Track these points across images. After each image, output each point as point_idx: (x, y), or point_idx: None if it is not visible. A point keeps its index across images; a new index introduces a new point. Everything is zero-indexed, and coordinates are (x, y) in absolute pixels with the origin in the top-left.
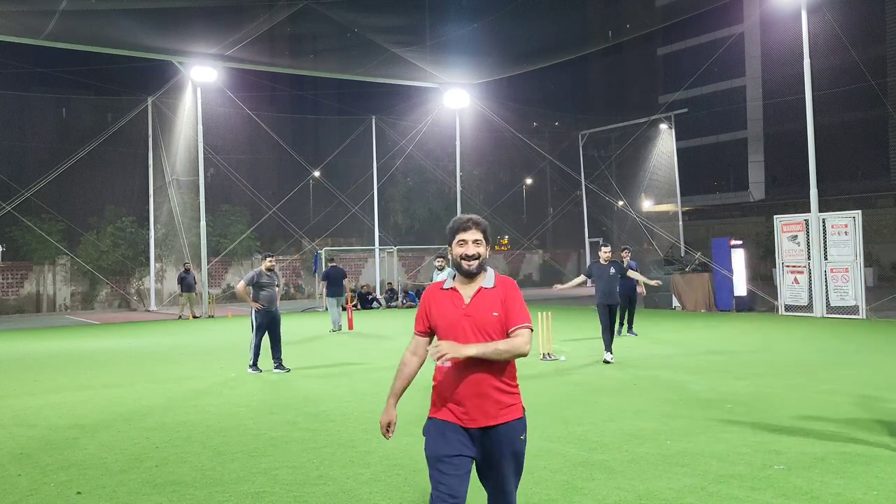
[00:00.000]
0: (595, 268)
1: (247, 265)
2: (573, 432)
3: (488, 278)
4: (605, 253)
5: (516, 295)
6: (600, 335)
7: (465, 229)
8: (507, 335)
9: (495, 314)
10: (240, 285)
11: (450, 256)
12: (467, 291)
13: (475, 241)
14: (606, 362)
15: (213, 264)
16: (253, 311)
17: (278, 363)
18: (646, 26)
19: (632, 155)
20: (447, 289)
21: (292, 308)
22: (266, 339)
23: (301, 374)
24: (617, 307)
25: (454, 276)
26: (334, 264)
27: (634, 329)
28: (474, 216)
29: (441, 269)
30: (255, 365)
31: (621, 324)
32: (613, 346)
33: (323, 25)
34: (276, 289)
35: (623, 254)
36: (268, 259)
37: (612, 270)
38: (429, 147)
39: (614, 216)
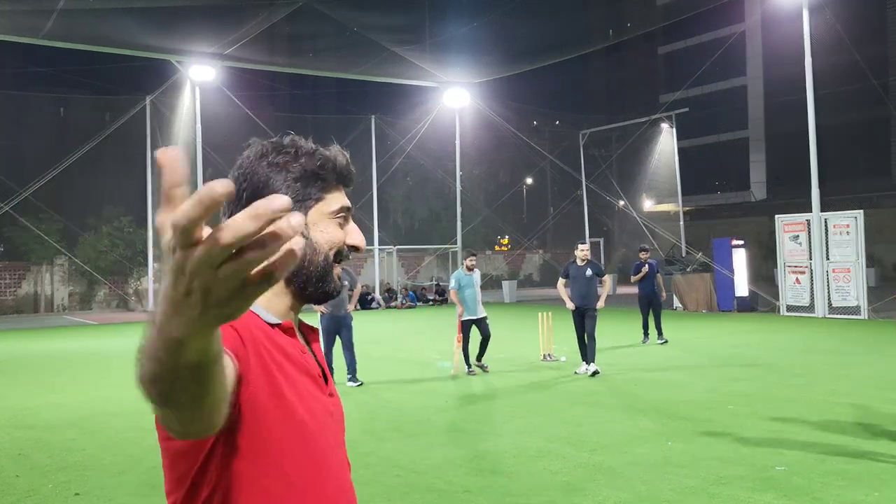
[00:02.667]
0: (571, 269)
1: None
2: (574, 433)
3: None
4: (581, 251)
5: None
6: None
7: (343, 184)
8: None
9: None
10: None
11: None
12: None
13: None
14: (577, 373)
15: None
16: (319, 316)
17: (351, 375)
18: (646, 25)
19: (633, 154)
20: (282, 330)
21: None
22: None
23: None
24: (592, 313)
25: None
26: None
27: (664, 334)
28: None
29: (471, 270)
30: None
31: (646, 333)
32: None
33: (322, 24)
34: (352, 290)
35: (642, 254)
36: None
37: (589, 272)
38: (429, 146)
39: (615, 216)
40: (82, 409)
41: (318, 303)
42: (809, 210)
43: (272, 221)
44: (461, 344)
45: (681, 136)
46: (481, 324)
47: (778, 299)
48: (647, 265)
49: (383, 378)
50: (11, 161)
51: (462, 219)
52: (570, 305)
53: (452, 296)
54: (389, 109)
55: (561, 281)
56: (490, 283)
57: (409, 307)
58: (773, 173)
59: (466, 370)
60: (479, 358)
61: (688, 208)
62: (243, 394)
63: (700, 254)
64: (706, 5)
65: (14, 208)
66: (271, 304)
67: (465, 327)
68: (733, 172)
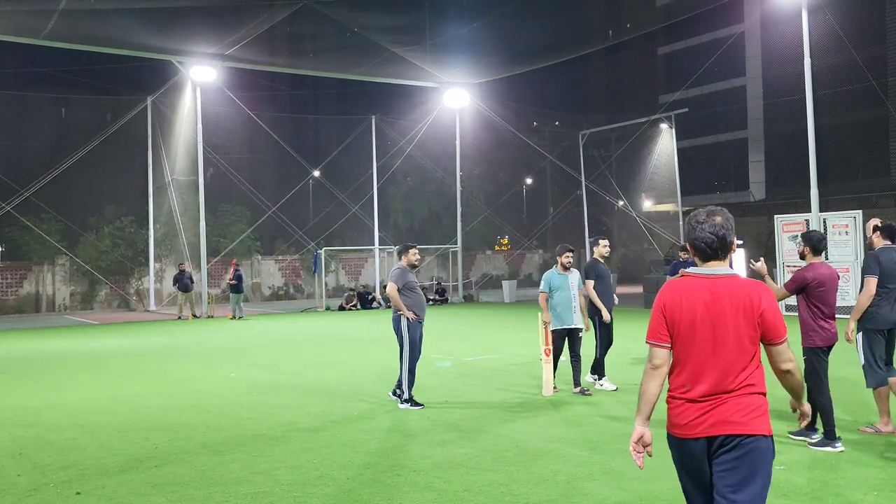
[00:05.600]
0: (601, 268)
1: (246, 265)
2: (573, 432)
3: None
4: (605, 248)
5: None
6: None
7: None
8: None
9: None
10: (391, 288)
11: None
12: None
13: None
14: (602, 387)
15: (213, 264)
16: (404, 323)
17: (401, 391)
18: (646, 26)
19: (632, 155)
20: None
21: (292, 308)
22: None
23: (301, 374)
24: (575, 335)
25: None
26: (238, 269)
27: None
28: None
29: (567, 269)
30: (411, 398)
31: None
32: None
33: (322, 25)
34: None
35: (682, 254)
36: (412, 251)
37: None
38: (429, 147)
39: (614, 216)
40: (83, 409)
41: None
42: (808, 210)
43: None
44: (550, 357)
45: (680, 137)
46: (573, 336)
47: None
48: (687, 265)
49: (383, 378)
50: (13, 161)
51: (462, 219)
52: (608, 317)
53: (541, 300)
54: (389, 109)
55: (590, 283)
56: (490, 283)
57: None
58: (772, 173)
59: (553, 391)
60: (575, 383)
61: (687, 208)
62: None
63: None
64: (706, 6)
65: (15, 208)
66: None
67: (556, 338)
68: (732, 172)
